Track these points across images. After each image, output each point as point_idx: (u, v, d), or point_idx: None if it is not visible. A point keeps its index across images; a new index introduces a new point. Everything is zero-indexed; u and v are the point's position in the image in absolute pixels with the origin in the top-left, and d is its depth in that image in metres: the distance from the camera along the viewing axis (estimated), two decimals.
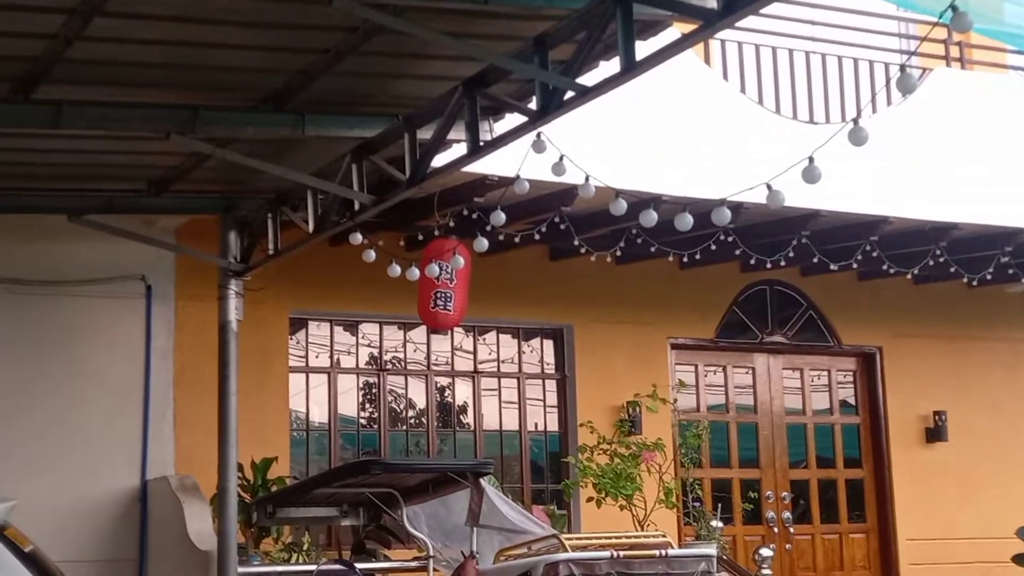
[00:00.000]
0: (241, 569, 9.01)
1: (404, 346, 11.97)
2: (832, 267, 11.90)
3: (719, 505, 12.36)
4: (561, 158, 6.90)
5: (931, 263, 11.92)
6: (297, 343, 11.50)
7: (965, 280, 12.50)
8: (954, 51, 12.85)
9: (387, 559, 10.02)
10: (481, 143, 7.08)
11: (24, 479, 9.45)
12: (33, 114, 7.07)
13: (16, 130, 7.36)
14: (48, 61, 6.55)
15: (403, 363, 11.97)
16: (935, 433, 13.72)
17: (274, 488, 10.09)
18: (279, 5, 6.01)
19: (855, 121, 5.48)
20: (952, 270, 12.17)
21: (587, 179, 7.05)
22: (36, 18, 6.08)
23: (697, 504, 11.90)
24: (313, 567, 9.49)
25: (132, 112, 7.27)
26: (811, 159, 5.84)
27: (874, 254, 11.70)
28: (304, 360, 11.51)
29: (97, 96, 7.10)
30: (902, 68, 5.30)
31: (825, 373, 13.77)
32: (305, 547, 9.96)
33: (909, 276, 12.29)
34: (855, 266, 12.02)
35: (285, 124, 7.53)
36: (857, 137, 5.49)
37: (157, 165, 8.57)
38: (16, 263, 10.12)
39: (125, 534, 10.26)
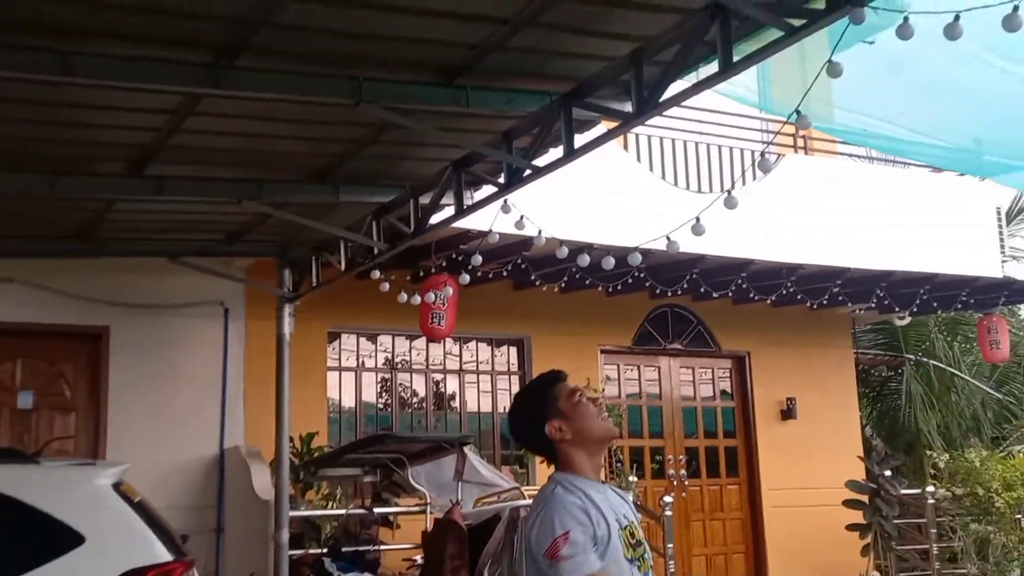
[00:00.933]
0: (292, 513, 8.95)
1: (410, 352, 11.95)
2: (714, 295, 11.97)
3: (635, 466, 12.36)
4: (521, 217, 6.93)
5: (784, 292, 12.00)
6: (333, 350, 11.46)
7: (809, 304, 12.60)
8: (800, 142, 13.00)
9: (397, 505, 9.99)
10: (465, 207, 7.09)
11: (135, 448, 9.41)
12: (143, 186, 7.04)
13: (131, 197, 7.33)
14: (155, 147, 6.53)
15: (409, 364, 11.95)
16: (788, 413, 13.77)
17: (316, 455, 10.04)
18: (319, 108, 6.00)
19: (728, 192, 5.54)
20: (799, 297, 12.26)
21: (540, 233, 7.09)
22: (146, 117, 6.07)
23: (619, 465, 11.90)
24: (344, 511, 9.45)
25: (215, 185, 7.24)
26: (697, 219, 5.89)
27: (744, 286, 11.78)
28: (338, 362, 11.48)
29: (190, 172, 7.08)
30: (762, 154, 5.37)
31: (710, 371, 13.81)
32: (338, 497, 9.91)
33: (768, 301, 12.38)
34: (730, 294, 12.09)
35: (325, 193, 7.52)
36: (730, 203, 5.55)
37: (232, 222, 8.55)
38: (131, 292, 10.09)
39: (208, 488, 10.20)
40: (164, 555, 5.09)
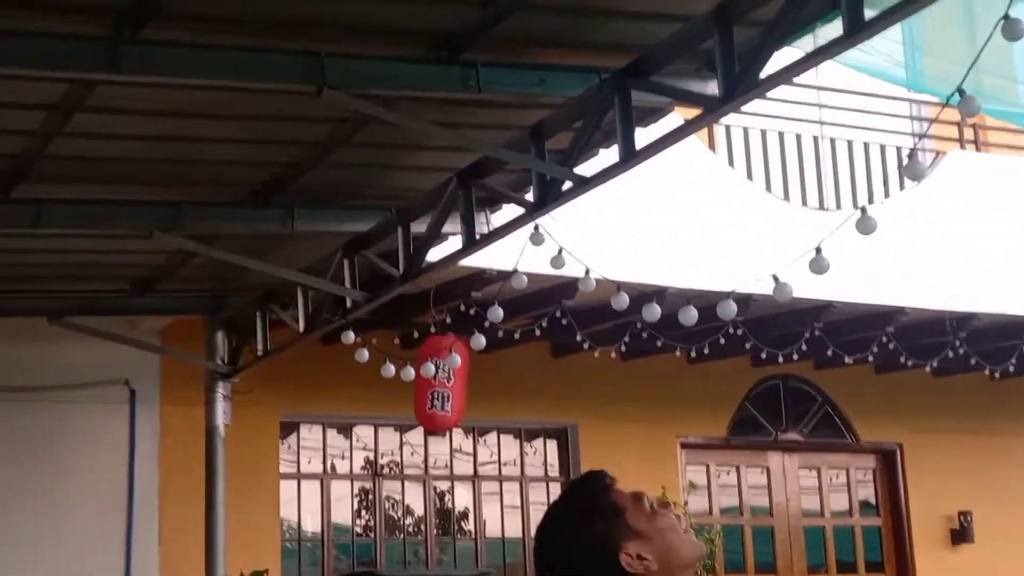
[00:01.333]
0: None
1: (400, 449, 11.93)
2: (847, 360, 11.89)
3: None
4: (560, 251, 6.93)
5: (950, 354, 11.90)
6: (288, 448, 11.46)
7: (987, 372, 12.49)
8: (969, 133, 12.96)
9: None
10: (477, 236, 7.10)
11: None
12: (12, 214, 7.11)
13: None
14: (27, 159, 6.60)
15: (400, 467, 11.93)
16: (961, 535, 13.61)
17: None
18: (265, 97, 6.06)
19: (863, 210, 5.53)
20: (973, 361, 12.16)
21: (587, 272, 7.08)
22: (15, 115, 6.14)
23: None
24: None
25: (114, 210, 7.31)
26: (818, 249, 5.87)
27: (891, 346, 11.70)
28: (295, 465, 11.47)
29: (78, 194, 7.16)
30: (911, 154, 5.36)
31: (843, 472, 13.70)
32: None
33: (928, 368, 12.27)
34: (871, 359, 12.01)
35: (273, 219, 7.57)
36: (865, 226, 5.53)
37: (140, 264, 8.60)
38: None
39: None
40: None
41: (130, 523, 10.41)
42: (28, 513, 10.09)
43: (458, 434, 11.97)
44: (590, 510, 2.90)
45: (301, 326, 8.70)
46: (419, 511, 11.97)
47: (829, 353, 11.75)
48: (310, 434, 11.61)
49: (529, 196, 6.70)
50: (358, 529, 11.76)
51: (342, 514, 11.69)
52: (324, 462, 11.63)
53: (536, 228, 6.76)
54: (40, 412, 10.24)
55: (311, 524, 11.54)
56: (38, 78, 5.64)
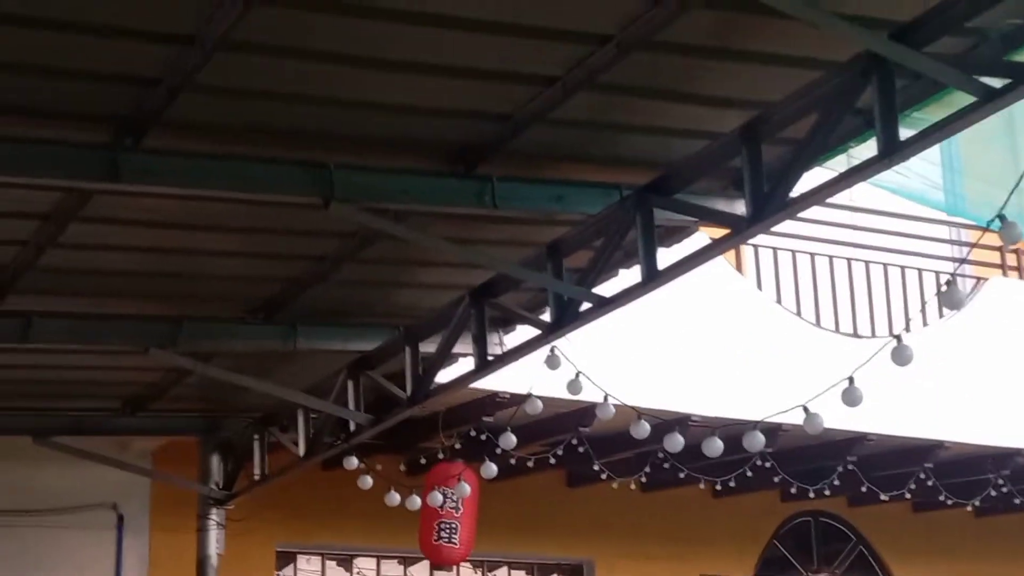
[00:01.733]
0: None
1: None
2: (883, 497, 11.81)
3: None
4: (577, 375, 6.92)
5: (993, 493, 11.82)
6: None
7: None
8: (1011, 259, 13.00)
9: None
10: (490, 357, 7.10)
11: None
12: None
13: None
14: (18, 269, 6.63)
15: None
16: None
17: None
18: (270, 209, 6.11)
19: (898, 338, 5.51)
20: (1017, 501, 12.06)
21: (606, 398, 7.07)
22: (6, 224, 6.18)
23: None
24: None
25: (108, 325, 7.34)
26: (851, 379, 5.85)
27: (929, 483, 11.63)
28: None
29: (70, 307, 7.19)
30: (949, 281, 5.36)
31: None
32: None
33: (970, 508, 12.18)
34: (908, 496, 11.92)
35: (275, 336, 7.59)
36: (901, 356, 5.52)
37: (133, 382, 8.62)
38: None
39: None
40: None
41: None
42: None
43: (466, 569, 11.88)
44: None
45: (301, 450, 8.68)
46: None
47: (863, 489, 11.67)
48: (308, 565, 11.53)
49: (545, 316, 6.70)
50: None
51: None
52: None
53: (552, 350, 6.76)
54: (23, 537, 10.20)
55: None
56: (33, 186, 5.69)
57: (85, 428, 9.24)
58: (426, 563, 11.42)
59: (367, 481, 8.80)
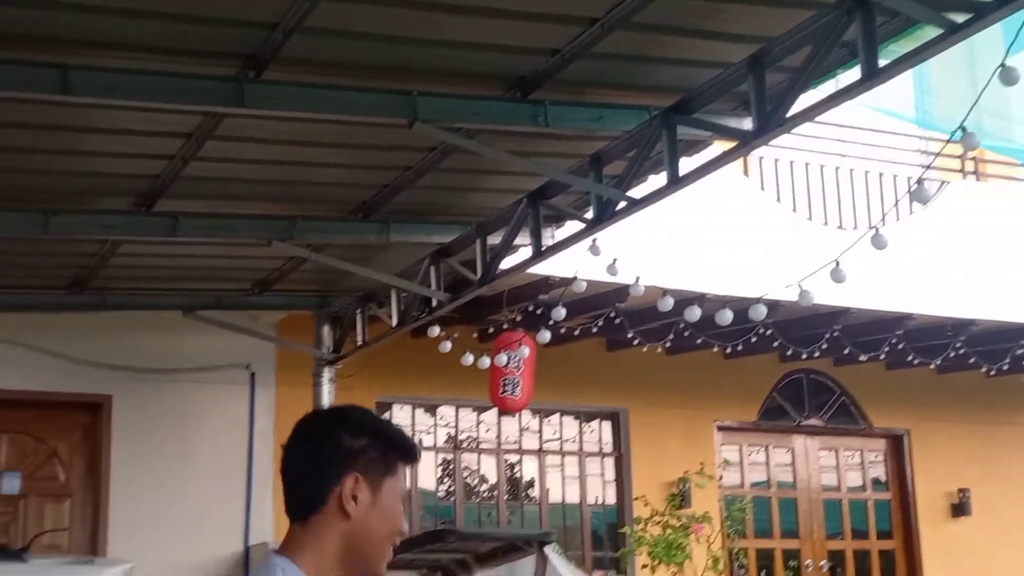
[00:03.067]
0: None
1: (477, 427, 11.97)
2: (862, 358, 11.78)
3: (763, 573, 12.15)
4: (614, 261, 6.93)
5: (952, 355, 11.76)
6: None
7: (984, 370, 12.32)
8: (970, 164, 12.80)
9: None
10: (543, 248, 7.12)
11: (143, 544, 9.50)
12: (154, 225, 7.22)
13: (139, 238, 7.51)
14: (167, 179, 6.70)
15: (476, 442, 11.96)
16: (960, 509, 13.42)
17: None
18: (367, 129, 6.12)
19: (876, 229, 5.48)
20: (971, 361, 12.00)
21: (637, 280, 7.08)
22: (158, 142, 6.24)
23: (742, 572, 11.71)
24: None
25: (239, 222, 7.40)
26: (837, 262, 5.83)
27: (900, 347, 11.57)
28: None
29: (209, 208, 7.25)
30: (918, 182, 5.31)
31: (858, 453, 13.56)
32: None
33: (932, 366, 12.14)
34: (883, 357, 11.88)
35: (372, 232, 7.63)
36: (878, 242, 5.50)
37: (260, 268, 8.70)
38: (135, 354, 10.27)
39: None
40: None
41: (249, 488, 10.51)
42: (162, 478, 10.22)
43: (526, 415, 11.98)
44: (360, 426, 2.34)
45: (394, 321, 8.75)
46: (492, 480, 11.99)
47: (846, 351, 11.64)
48: (401, 413, 11.67)
49: (588, 214, 6.70)
50: (440, 494, 11.81)
51: (427, 481, 11.74)
52: (412, 437, 11.67)
53: (594, 241, 6.77)
54: (173, 391, 10.37)
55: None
56: (178, 111, 5.73)
57: (223, 304, 9.35)
58: (494, 411, 11.53)
59: (447, 346, 8.86)
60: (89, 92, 5.20)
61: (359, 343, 9.38)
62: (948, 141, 5.25)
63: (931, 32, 4.65)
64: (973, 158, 12.58)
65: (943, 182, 12.05)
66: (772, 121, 5.25)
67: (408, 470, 2.40)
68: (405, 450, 2.38)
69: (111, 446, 10.15)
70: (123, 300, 9.09)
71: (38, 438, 10.18)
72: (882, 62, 4.76)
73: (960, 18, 4.50)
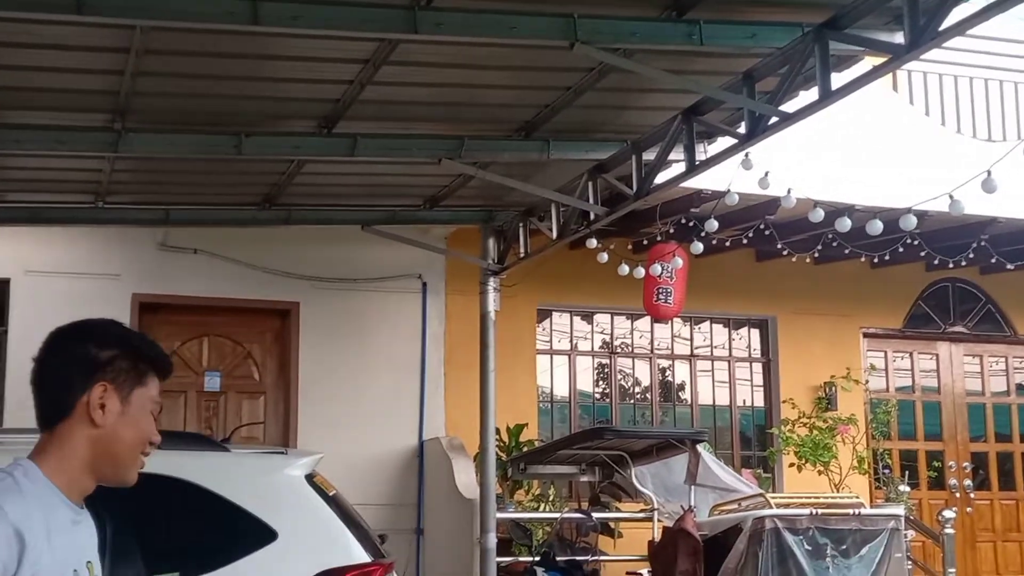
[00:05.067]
0: (499, 515, 9.18)
1: (631, 333, 12.00)
2: (1009, 267, 11.40)
3: (906, 473, 11.97)
4: (766, 174, 6.81)
5: None
6: (543, 330, 11.66)
7: None
8: None
9: (619, 510, 10.08)
10: (697, 163, 7.02)
11: (328, 438, 9.84)
12: (335, 145, 7.34)
13: (321, 158, 7.67)
14: (346, 102, 6.80)
15: (631, 348, 12.01)
16: None
17: (525, 449, 10.26)
18: (529, 52, 6.09)
19: None
20: None
21: (788, 192, 6.95)
22: (338, 68, 6.33)
23: (887, 472, 11.56)
24: (558, 515, 9.62)
25: (411, 142, 7.48)
26: (988, 172, 5.61)
27: None
28: (549, 344, 11.67)
29: (384, 130, 7.33)
30: None
31: (1003, 359, 13.18)
32: (551, 498, 10.10)
33: None
34: None
35: (533, 150, 7.62)
36: None
37: (430, 185, 8.80)
38: (319, 265, 10.58)
39: (407, 483, 10.63)
40: (362, 556, 5.35)
41: (422, 387, 10.79)
42: (344, 379, 10.57)
43: (678, 322, 11.97)
44: (107, 335, 2.32)
45: (554, 234, 8.77)
46: (645, 382, 12.05)
47: (993, 260, 11.26)
48: (560, 320, 11.78)
49: (741, 129, 6.58)
50: (597, 395, 11.92)
51: (585, 383, 11.86)
52: (571, 342, 11.79)
53: (747, 155, 6.65)
54: (352, 298, 10.66)
55: (560, 390, 11.75)
56: (355, 38, 5.80)
57: (397, 218, 9.48)
58: (648, 318, 11.53)
59: (604, 257, 8.87)
60: (276, 22, 5.29)
61: (521, 255, 9.44)
62: None
63: None
64: None
65: None
66: (925, 35, 5.04)
67: (157, 382, 2.35)
68: (155, 361, 2.35)
69: (299, 349, 10.53)
70: (307, 215, 9.30)
71: (235, 341, 10.62)
72: None
73: None
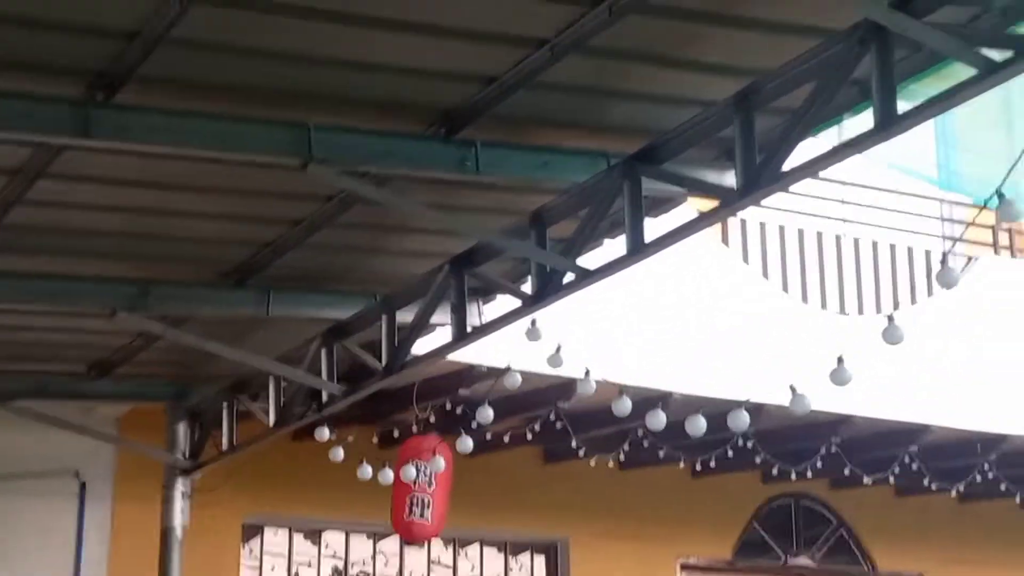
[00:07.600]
0: None
1: (373, 559, 11.85)
2: (866, 480, 11.84)
3: None
4: (558, 348, 6.93)
5: (978, 479, 11.86)
6: (251, 553, 11.38)
7: (1018, 500, 12.44)
8: (1003, 237, 13.02)
9: None
10: (468, 329, 7.09)
11: None
12: None
13: None
14: None
15: None
16: None
17: None
18: (246, 170, 6.08)
19: (889, 318, 5.54)
20: (1003, 487, 12.10)
21: (587, 373, 7.09)
22: None
23: None
24: None
25: (74, 286, 7.32)
26: (840, 359, 5.88)
27: (914, 466, 11.65)
28: (258, 572, 11.39)
29: (35, 267, 7.17)
30: (943, 260, 5.37)
31: None
32: None
33: (954, 493, 12.22)
34: (892, 480, 11.95)
35: (248, 302, 7.58)
36: (892, 335, 5.55)
37: (99, 345, 8.61)
38: None
39: None
40: None
41: None
42: None
43: (437, 545, 11.89)
44: None
45: (271, 420, 8.67)
46: None
47: (847, 472, 11.68)
48: (275, 538, 11.54)
49: (527, 288, 6.70)
50: None
51: None
52: (289, 570, 11.54)
53: (533, 323, 6.76)
54: None
55: None
56: (1, 140, 5.66)
57: (48, 392, 9.22)
58: (396, 538, 11.42)
59: (339, 453, 8.81)
60: None
61: (224, 447, 9.28)
62: (982, 208, 5.34)
63: (962, 72, 4.73)
64: (1007, 229, 12.80)
65: (969, 258, 12.24)
66: (762, 176, 5.29)
67: None
68: None
69: None
70: None
71: None
72: (902, 106, 4.83)
73: (998, 56, 4.59)
